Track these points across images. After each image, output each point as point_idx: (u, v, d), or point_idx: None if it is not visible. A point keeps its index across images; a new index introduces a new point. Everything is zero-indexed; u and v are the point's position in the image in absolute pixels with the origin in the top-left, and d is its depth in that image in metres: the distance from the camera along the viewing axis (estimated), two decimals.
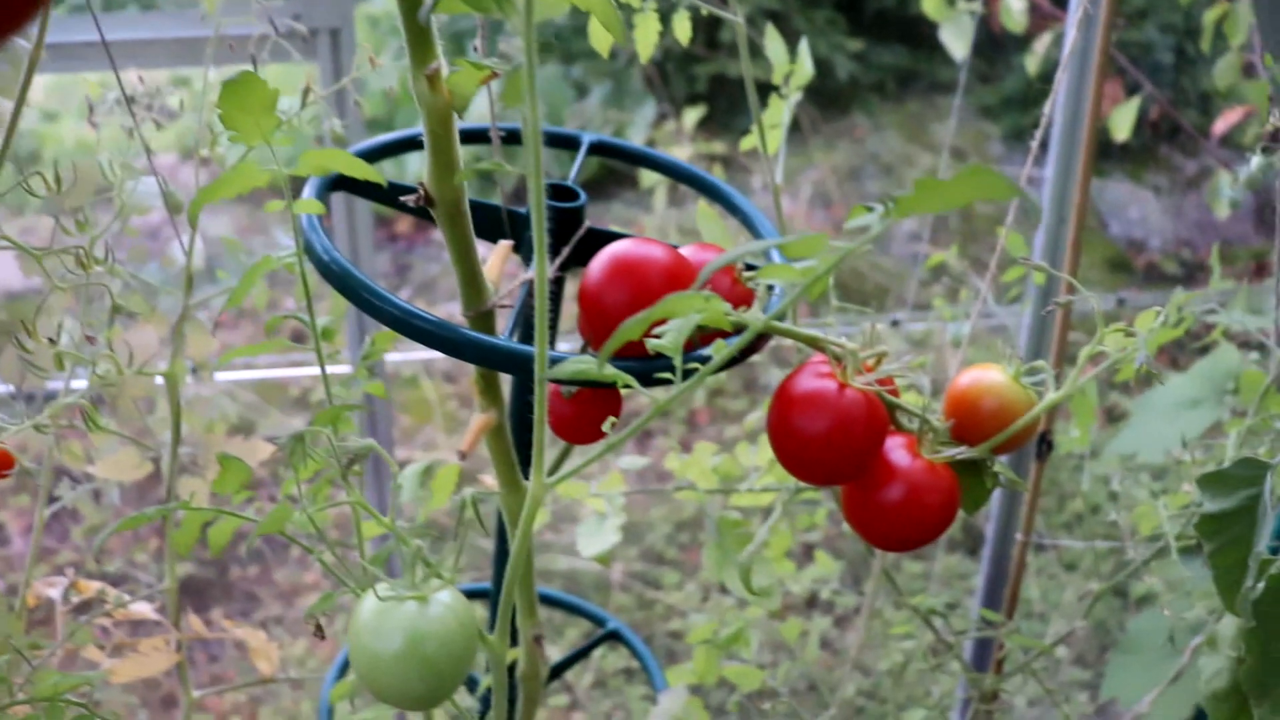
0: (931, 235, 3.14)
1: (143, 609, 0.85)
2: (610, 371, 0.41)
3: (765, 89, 0.90)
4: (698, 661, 0.95)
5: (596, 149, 0.76)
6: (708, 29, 3.12)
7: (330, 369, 0.67)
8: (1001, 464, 0.65)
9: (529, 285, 0.59)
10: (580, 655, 0.93)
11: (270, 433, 2.41)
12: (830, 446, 0.56)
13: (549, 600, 0.98)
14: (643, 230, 2.90)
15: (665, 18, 0.75)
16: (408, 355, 2.22)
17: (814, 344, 0.59)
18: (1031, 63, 1.98)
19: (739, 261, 0.61)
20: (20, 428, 0.66)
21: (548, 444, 0.70)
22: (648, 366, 0.52)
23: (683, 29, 0.77)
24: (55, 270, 0.72)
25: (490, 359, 0.52)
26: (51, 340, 0.60)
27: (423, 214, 0.55)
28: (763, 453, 0.93)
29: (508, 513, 0.64)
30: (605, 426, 0.43)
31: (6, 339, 0.71)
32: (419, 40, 0.46)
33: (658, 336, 0.56)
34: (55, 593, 0.88)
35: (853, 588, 2.06)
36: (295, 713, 1.93)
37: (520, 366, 0.52)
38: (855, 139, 3.31)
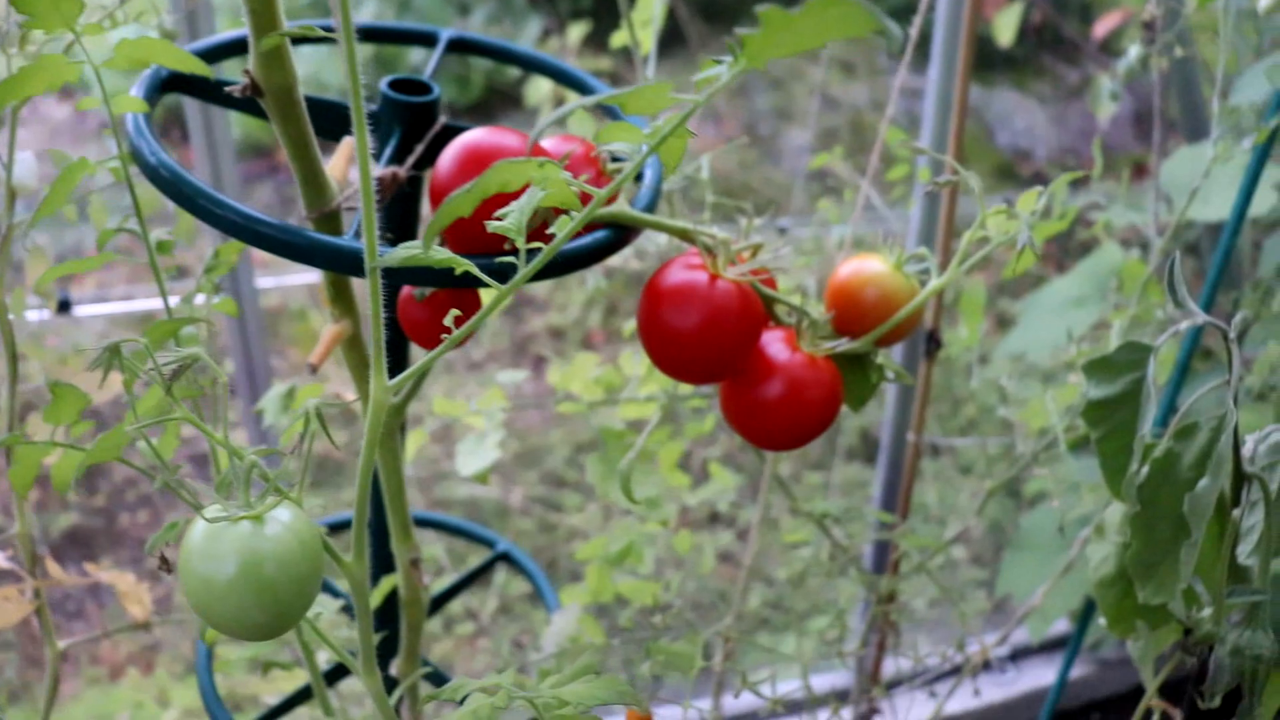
0: (821, 146, 3.13)
1: None
2: (441, 256, 0.37)
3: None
4: (590, 579, 0.93)
5: (455, 45, 0.71)
6: None
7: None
8: (886, 357, 0.63)
9: (380, 183, 0.55)
10: (468, 580, 0.90)
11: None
12: (702, 341, 0.53)
13: (434, 524, 0.95)
14: None
15: None
16: (292, 280, 2.13)
17: (684, 236, 0.56)
18: None
19: (603, 151, 0.58)
20: None
21: (411, 357, 0.66)
22: (491, 258, 0.48)
23: None
24: None
25: (330, 260, 0.48)
26: None
27: (254, 108, 0.50)
28: (646, 360, 0.90)
29: (368, 428, 0.60)
30: (448, 321, 0.40)
31: None
32: None
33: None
34: None
35: (754, 501, 2.07)
36: (192, 658, 1.88)
37: (355, 263, 0.47)
38: None
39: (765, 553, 1.88)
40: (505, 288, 0.37)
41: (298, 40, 0.51)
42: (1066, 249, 2.67)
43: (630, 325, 0.81)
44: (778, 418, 0.57)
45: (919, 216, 1.21)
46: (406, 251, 0.36)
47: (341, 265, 0.49)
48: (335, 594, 0.81)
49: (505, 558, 0.93)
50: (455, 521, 0.95)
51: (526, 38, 2.90)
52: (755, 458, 1.84)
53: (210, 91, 0.55)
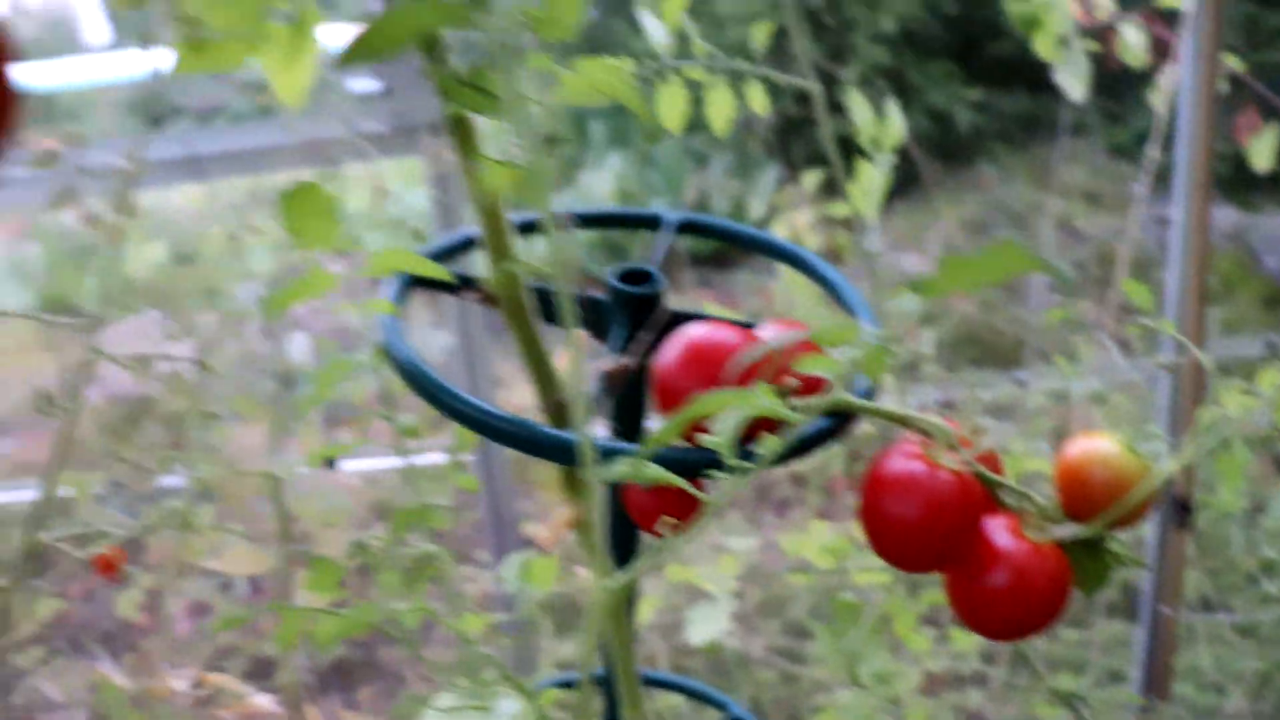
0: (1070, 284, 3.03)
1: (263, 703, 0.86)
2: (655, 473, 0.39)
3: (900, 152, 0.87)
4: None
5: (684, 228, 0.74)
6: (824, 91, 3.10)
7: (436, 459, 0.67)
8: (1119, 541, 0.60)
9: (606, 376, 0.58)
10: None
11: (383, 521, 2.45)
12: (921, 532, 0.53)
13: (664, 684, 0.96)
14: (770, 299, 2.87)
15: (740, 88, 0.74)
16: None
17: (901, 422, 0.56)
18: (1158, 99, 1.90)
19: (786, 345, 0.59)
20: (130, 529, 0.68)
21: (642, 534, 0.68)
22: (700, 459, 0.49)
23: (758, 100, 0.75)
24: (164, 374, 0.74)
25: (558, 455, 0.51)
26: (161, 444, 0.62)
27: (482, 303, 0.54)
28: None
29: (597, 602, 0.63)
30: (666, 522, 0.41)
31: (119, 441, 0.74)
32: (462, 136, 0.46)
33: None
34: (183, 685, 0.90)
35: (1005, 659, 1.97)
36: None
37: (569, 457, 0.50)
38: (981, 189, 3.24)
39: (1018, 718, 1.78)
40: (717, 498, 0.39)
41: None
42: None
43: None
44: (1002, 609, 0.55)
45: (1168, 383, 1.15)
46: (626, 468, 0.39)
47: (569, 460, 0.52)
48: None
49: None
50: (686, 683, 0.95)
51: (764, 186, 2.97)
52: None
53: (451, 289, 0.60)
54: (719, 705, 0.95)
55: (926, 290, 0.29)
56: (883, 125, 0.80)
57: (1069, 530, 0.57)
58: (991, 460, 0.59)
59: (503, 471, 1.26)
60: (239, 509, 0.81)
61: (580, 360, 0.60)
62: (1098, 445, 0.60)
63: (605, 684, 0.82)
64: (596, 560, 0.41)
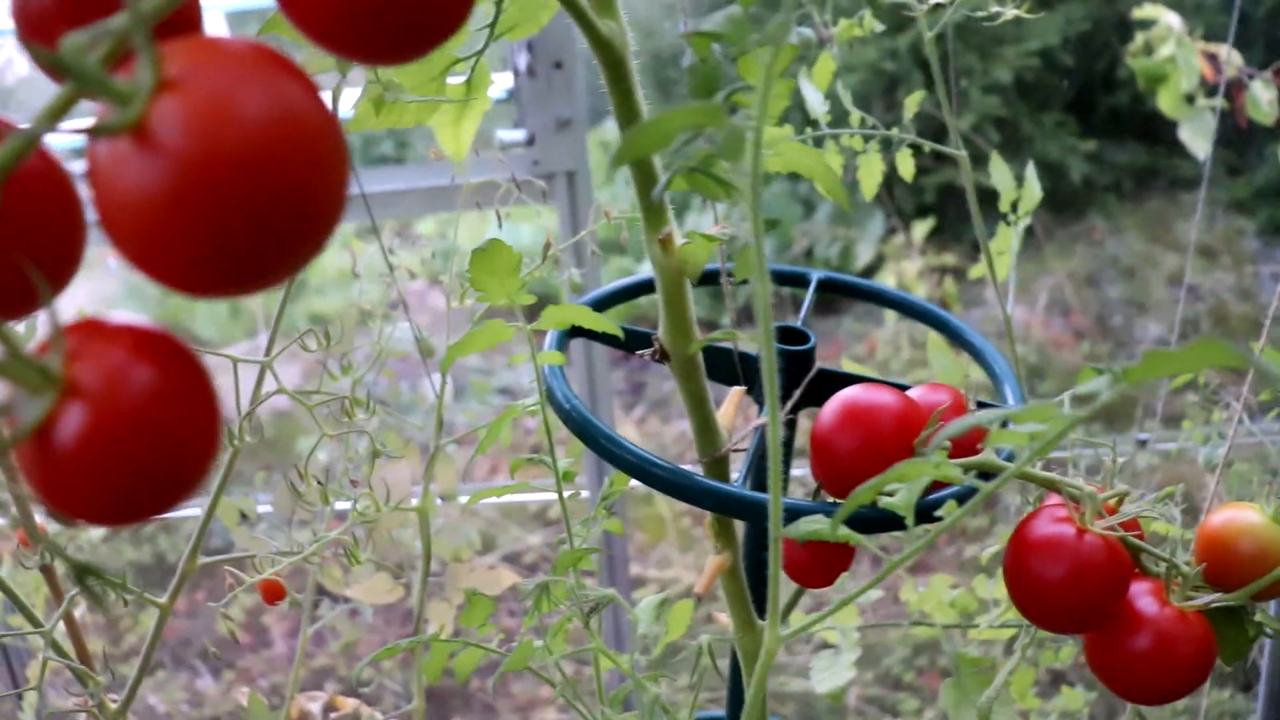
0: (1181, 339, 2.98)
1: None
2: (844, 534, 0.41)
3: (993, 198, 0.89)
4: None
5: (826, 286, 0.77)
6: (934, 140, 3.10)
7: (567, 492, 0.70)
8: (1264, 612, 0.61)
9: (761, 430, 0.61)
10: None
11: (510, 548, 2.49)
12: (1069, 596, 0.54)
13: None
14: (874, 346, 2.87)
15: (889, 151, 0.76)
16: None
17: (1051, 486, 0.58)
18: None
19: (970, 403, 0.61)
20: (292, 560, 0.71)
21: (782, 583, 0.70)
22: (878, 518, 0.52)
23: (906, 167, 0.78)
24: (320, 411, 0.79)
25: (725, 507, 0.53)
26: (320, 481, 0.66)
27: (657, 360, 0.57)
28: (1000, 587, 0.90)
29: (741, 651, 0.65)
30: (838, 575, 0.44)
31: (278, 456, 0.78)
32: (652, 208, 0.49)
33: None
34: (315, 707, 0.94)
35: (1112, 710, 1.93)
36: None
37: (754, 514, 0.53)
38: (1092, 242, 3.20)
39: None
40: (896, 561, 0.41)
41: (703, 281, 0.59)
42: None
43: (987, 552, 0.82)
44: (1145, 674, 0.56)
45: None
46: (813, 527, 0.41)
47: (728, 510, 0.55)
48: None
49: None
50: None
51: (871, 235, 2.98)
52: None
53: (615, 341, 0.63)
54: None
55: (1128, 376, 0.31)
56: (1022, 190, 0.82)
57: (1213, 599, 0.58)
58: (1134, 525, 0.60)
59: (621, 512, 1.29)
60: (381, 542, 0.85)
61: (740, 416, 0.63)
62: (1244, 516, 0.61)
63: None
64: (771, 611, 0.44)
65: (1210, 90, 1.78)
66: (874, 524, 0.53)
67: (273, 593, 0.68)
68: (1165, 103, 1.79)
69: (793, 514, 0.44)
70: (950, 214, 3.14)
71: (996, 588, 0.90)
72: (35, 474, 0.24)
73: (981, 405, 0.62)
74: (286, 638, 2.42)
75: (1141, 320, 3.01)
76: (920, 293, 2.69)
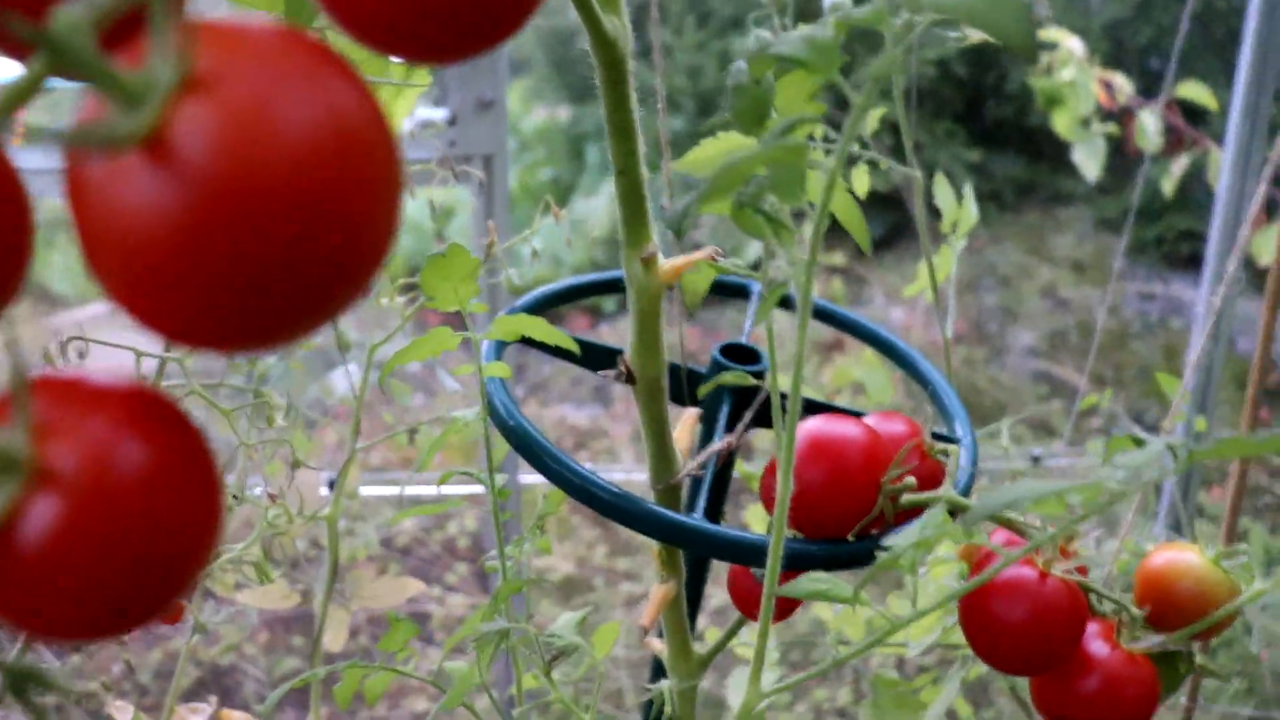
0: (1048, 348, 3.07)
1: None
2: (856, 597, 0.39)
3: (891, 201, 0.88)
4: None
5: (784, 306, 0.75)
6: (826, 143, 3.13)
7: (469, 488, 0.66)
8: (1202, 654, 0.61)
9: (717, 457, 0.58)
10: None
11: (384, 532, 2.42)
12: (1032, 639, 0.53)
13: None
14: (759, 340, 2.87)
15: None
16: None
17: (1008, 526, 0.57)
18: (1168, 185, 1.94)
19: (925, 434, 0.59)
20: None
21: (710, 613, 0.68)
22: (844, 557, 0.50)
23: (861, 184, 0.76)
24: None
25: (669, 535, 0.51)
26: (236, 497, 0.61)
27: (622, 382, 0.54)
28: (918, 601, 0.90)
29: (676, 679, 0.62)
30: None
31: None
32: (635, 222, 0.45)
33: (844, 513, 0.54)
34: None
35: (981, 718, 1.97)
36: None
37: (715, 549, 0.50)
38: (973, 250, 3.27)
39: None
40: (851, 589, 0.39)
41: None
42: None
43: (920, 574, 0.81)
44: (1096, 714, 0.56)
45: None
46: (815, 587, 0.39)
47: (678, 541, 0.52)
48: None
49: None
50: None
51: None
52: (1005, 685, 1.75)
53: (567, 355, 0.60)
54: None
55: (1204, 456, 0.29)
56: (961, 211, 0.81)
57: (1159, 640, 0.58)
58: (1083, 569, 0.59)
59: (516, 509, 1.25)
60: (284, 549, 0.79)
61: (695, 439, 0.60)
62: (1184, 557, 0.61)
63: None
64: (754, 670, 0.41)
65: (1105, 115, 1.82)
66: (840, 563, 0.51)
67: (173, 613, 0.62)
68: (1061, 124, 1.82)
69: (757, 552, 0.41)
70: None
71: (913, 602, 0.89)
72: None
73: (936, 437, 0.60)
74: (152, 640, 2.31)
75: (1015, 328, 3.09)
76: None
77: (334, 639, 0.85)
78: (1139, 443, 0.33)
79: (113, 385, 0.20)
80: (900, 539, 0.42)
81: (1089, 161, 1.81)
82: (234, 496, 0.60)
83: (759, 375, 0.64)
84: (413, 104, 0.72)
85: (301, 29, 0.21)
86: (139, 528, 0.19)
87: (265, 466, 0.77)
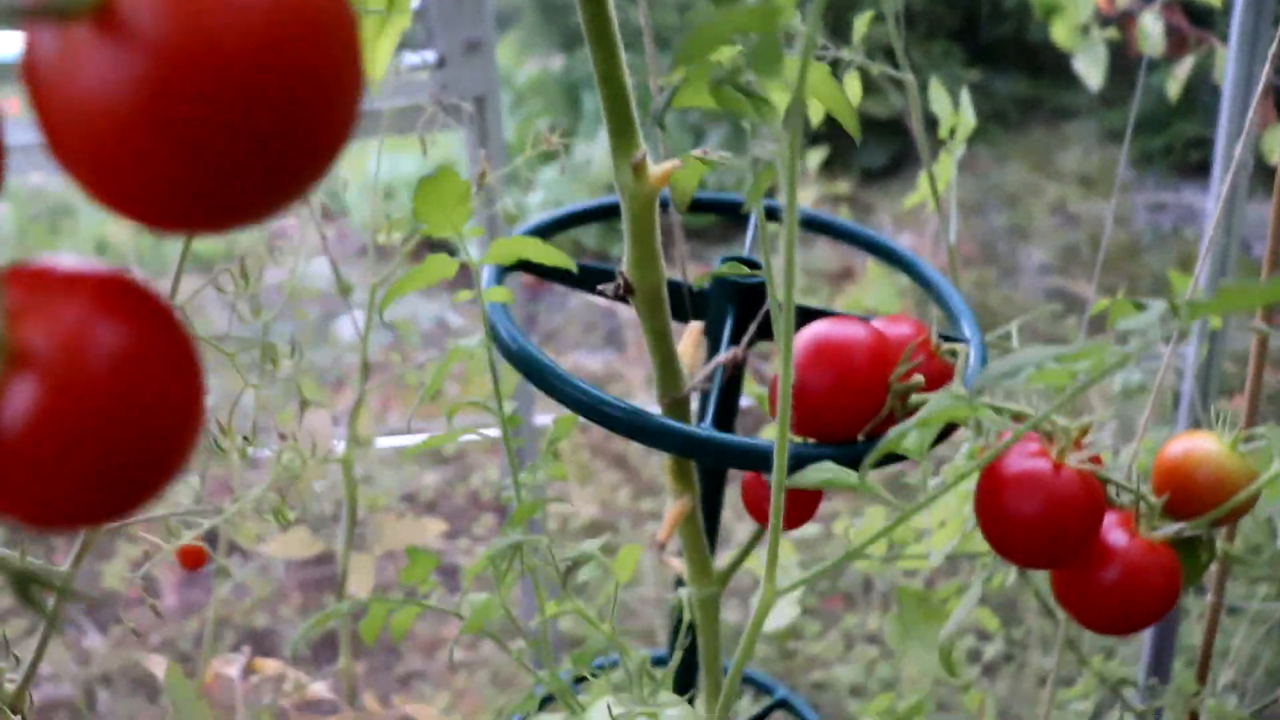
0: (1060, 264, 3.05)
1: (319, 690, 0.85)
2: (868, 484, 0.39)
3: (894, 127, 0.86)
4: None
5: (771, 215, 0.74)
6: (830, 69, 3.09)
7: (486, 431, 0.66)
8: (1223, 538, 0.61)
9: (723, 369, 0.58)
10: None
11: (406, 487, 2.43)
12: (1046, 531, 0.53)
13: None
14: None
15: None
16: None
17: (1019, 419, 0.56)
18: (1173, 87, 1.91)
19: (932, 335, 0.59)
20: (212, 523, 0.66)
21: (735, 524, 0.68)
22: (853, 452, 0.50)
23: (853, 89, 0.75)
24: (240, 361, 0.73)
25: (680, 447, 0.50)
26: (246, 438, 0.61)
27: (619, 299, 0.54)
28: (934, 515, 0.90)
29: (697, 596, 0.62)
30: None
31: None
32: (622, 127, 0.45)
33: (853, 415, 0.54)
34: (233, 671, 0.89)
35: (1011, 635, 1.98)
36: None
37: (724, 457, 0.50)
38: (978, 172, 3.24)
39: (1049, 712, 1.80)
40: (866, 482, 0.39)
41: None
42: None
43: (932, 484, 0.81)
44: (1119, 606, 0.55)
45: (1197, 355, 1.17)
46: (825, 475, 0.38)
47: (689, 451, 0.52)
48: None
49: (783, 704, 0.93)
50: (750, 675, 0.95)
51: None
52: (1034, 601, 1.75)
53: (566, 277, 0.59)
54: (765, 689, 0.95)
55: (1206, 310, 0.29)
56: (959, 116, 0.79)
57: (1179, 528, 0.57)
58: (1097, 459, 0.59)
59: (533, 449, 1.25)
60: (301, 494, 0.80)
61: (701, 354, 0.59)
62: (1202, 445, 0.60)
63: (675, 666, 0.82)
64: (769, 566, 0.41)
65: (1104, 22, 1.79)
66: (851, 463, 0.51)
67: (193, 559, 0.62)
68: (1060, 34, 1.80)
69: (767, 458, 0.41)
70: (842, 143, 3.14)
71: (931, 516, 0.89)
72: None
73: (944, 339, 0.60)
74: (177, 589, 2.33)
75: (1025, 247, 3.07)
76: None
77: (360, 584, 0.85)
78: (1139, 307, 0.32)
79: (87, 270, 0.20)
80: (905, 424, 0.42)
81: (1091, 70, 1.78)
82: (244, 439, 0.60)
83: (761, 288, 0.63)
84: (394, 40, 0.71)
85: None
86: (118, 406, 0.19)
87: (276, 416, 0.77)
